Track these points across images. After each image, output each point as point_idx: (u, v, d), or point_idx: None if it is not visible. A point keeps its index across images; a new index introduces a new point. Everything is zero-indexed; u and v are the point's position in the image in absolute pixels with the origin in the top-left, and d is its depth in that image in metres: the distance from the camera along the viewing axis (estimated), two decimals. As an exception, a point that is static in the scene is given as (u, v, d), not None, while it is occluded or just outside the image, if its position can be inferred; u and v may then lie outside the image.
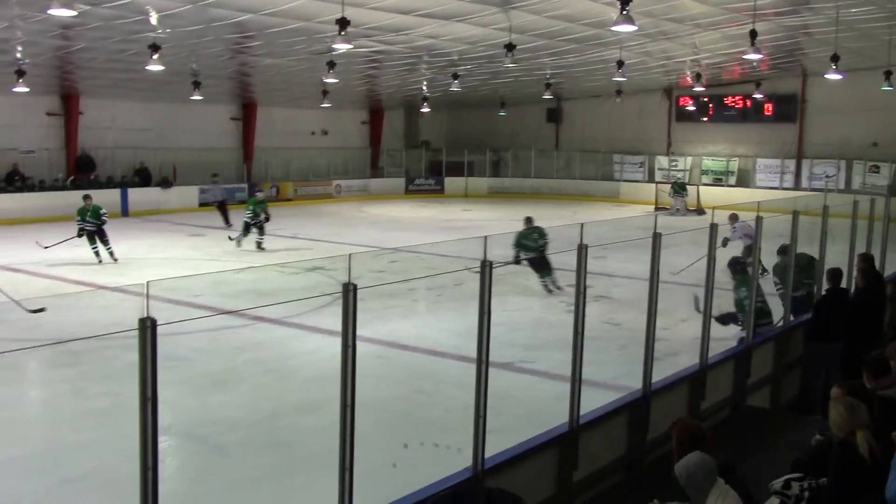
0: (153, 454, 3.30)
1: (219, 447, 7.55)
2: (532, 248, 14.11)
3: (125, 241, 21.40)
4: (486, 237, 5.24)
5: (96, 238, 17.68)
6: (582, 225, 5.97)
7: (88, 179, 28.13)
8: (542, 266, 13.98)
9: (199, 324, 11.46)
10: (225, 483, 6.77)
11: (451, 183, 38.04)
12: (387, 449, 7.04)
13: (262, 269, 17.05)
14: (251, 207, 20.33)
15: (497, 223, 24.50)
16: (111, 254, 17.75)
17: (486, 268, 5.73)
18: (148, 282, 3.80)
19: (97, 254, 17.63)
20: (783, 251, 9.78)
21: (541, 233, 14.34)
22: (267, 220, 20.22)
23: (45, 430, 8.24)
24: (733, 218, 14.66)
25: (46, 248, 17.52)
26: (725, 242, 13.41)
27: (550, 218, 15.72)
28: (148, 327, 3.26)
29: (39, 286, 15.31)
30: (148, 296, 3.41)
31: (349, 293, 4.08)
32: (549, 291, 13.86)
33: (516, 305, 13.10)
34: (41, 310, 11.84)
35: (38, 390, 10.04)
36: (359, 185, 36.24)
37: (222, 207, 24.90)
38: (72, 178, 27.89)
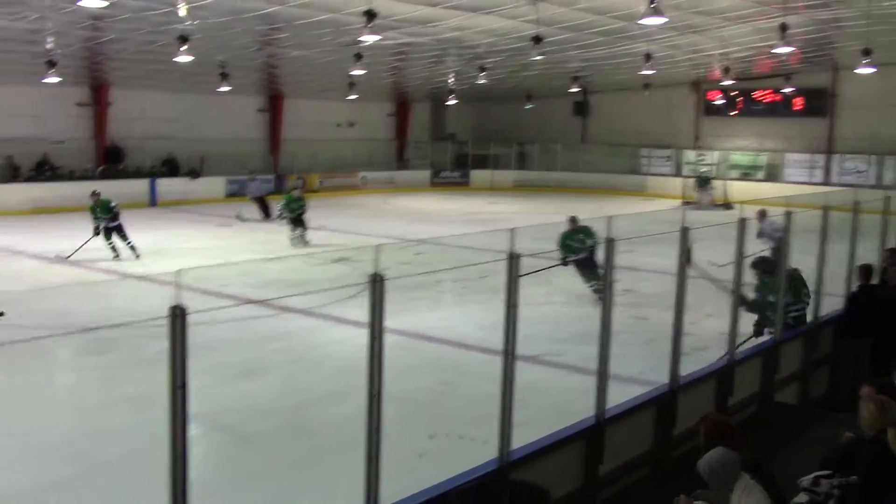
0: (183, 442, 3.33)
1: (246, 435, 7.61)
2: (577, 248, 13.18)
3: (153, 231, 21.60)
4: (512, 229, 5.22)
5: (112, 233, 17.24)
6: (609, 218, 5.94)
7: (117, 169, 28.40)
8: (589, 268, 13.03)
9: (226, 313, 11.54)
10: (252, 471, 6.82)
11: (476, 175, 38.00)
12: (412, 440, 7.07)
13: (289, 260, 17.13)
14: (290, 203, 19.67)
15: (523, 216, 24.42)
16: (132, 248, 17.30)
17: (513, 260, 5.73)
18: (178, 270, 3.84)
19: (113, 249, 17.20)
20: (761, 264, 8.86)
21: (587, 232, 13.28)
22: (302, 215, 19.60)
23: (76, 417, 8.35)
24: (761, 215, 14.15)
25: (68, 257, 16.89)
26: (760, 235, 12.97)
27: (576, 212, 15.60)
28: (178, 315, 3.27)
29: (69, 275, 15.50)
30: (177, 284, 3.43)
31: (376, 284, 4.09)
32: (601, 299, 12.69)
33: (543, 298, 13.07)
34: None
35: (69, 377, 10.16)
36: (384, 178, 36.29)
37: (261, 202, 24.47)
38: (101, 167, 28.17)
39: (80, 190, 25.95)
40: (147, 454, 6.74)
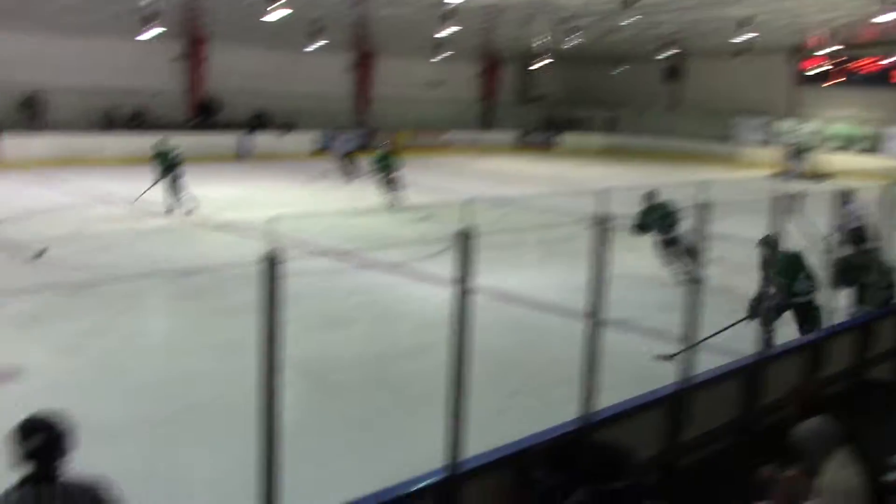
0: (273, 387, 3.39)
1: (329, 384, 7.77)
2: (655, 228, 12.04)
3: (242, 184, 22.10)
4: (600, 192, 5.14)
5: (174, 182, 16.92)
6: (700, 183, 5.80)
7: (209, 122, 29.02)
8: (671, 249, 11.94)
9: (312, 265, 11.76)
10: (335, 419, 6.96)
11: (563, 139, 37.57)
12: (493, 396, 7.09)
13: (374, 216, 17.31)
14: (381, 161, 19.04)
15: (609, 181, 24.08)
16: (185, 201, 16.90)
17: (603, 223, 5.65)
18: (269, 219, 3.90)
19: (171, 199, 16.87)
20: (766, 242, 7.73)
21: (666, 209, 11.92)
22: (394, 174, 18.88)
23: (166, 359, 8.62)
24: (846, 197, 12.47)
25: (135, 201, 17.00)
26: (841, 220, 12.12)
27: (665, 178, 15.26)
28: (270, 262, 3.32)
29: (162, 222, 15.97)
30: (269, 232, 3.48)
31: (464, 239, 4.08)
32: (682, 281, 11.13)
33: (630, 263, 12.88)
34: (44, 251, 11.96)
35: (161, 321, 10.50)
36: (471, 138, 36.19)
37: (346, 160, 24.21)
38: (194, 120, 28.82)
39: (174, 141, 26.71)
40: (234, 398, 6.96)
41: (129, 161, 25.34)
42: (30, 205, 17.37)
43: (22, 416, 3.23)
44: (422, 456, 4.55)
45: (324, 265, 12.35)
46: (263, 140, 29.35)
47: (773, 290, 7.51)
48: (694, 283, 5.96)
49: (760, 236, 7.65)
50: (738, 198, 8.21)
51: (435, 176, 26.03)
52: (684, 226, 11.39)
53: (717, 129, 35.10)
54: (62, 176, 22.11)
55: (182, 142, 26.76)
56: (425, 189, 22.30)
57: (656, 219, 11.95)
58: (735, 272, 11.79)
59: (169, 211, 16.84)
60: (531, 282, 11.95)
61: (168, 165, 16.95)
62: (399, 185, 18.86)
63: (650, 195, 12.23)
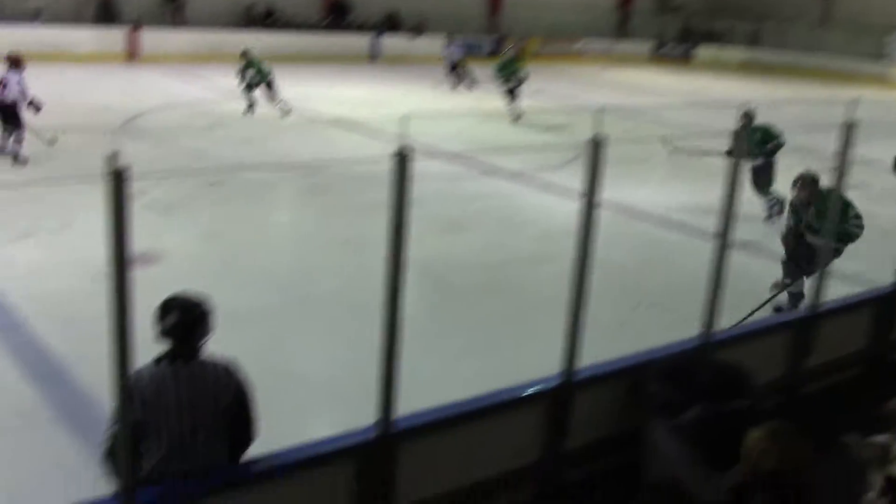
0: (398, 279, 3.46)
1: (450, 286, 7.89)
2: (752, 151, 10.23)
3: (371, 86, 22.26)
4: (739, 106, 4.92)
5: (266, 88, 16.72)
6: (849, 102, 5.46)
7: (341, 23, 29.15)
8: (762, 178, 10.46)
9: (436, 169, 11.84)
10: (455, 319, 7.09)
11: (701, 52, 36.01)
12: (614, 309, 7.07)
13: (502, 123, 17.17)
14: (505, 67, 17.84)
15: (748, 97, 23.05)
16: (280, 104, 16.72)
17: (738, 139, 5.44)
18: (402, 116, 3.92)
19: (276, 105, 16.71)
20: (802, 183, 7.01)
21: (768, 133, 10.36)
22: (517, 83, 17.71)
23: (294, 251, 8.94)
24: None
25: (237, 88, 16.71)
26: None
27: (808, 96, 14.45)
28: (401, 158, 3.35)
29: (290, 119, 16.30)
30: (398, 132, 3.50)
31: (594, 148, 4.00)
32: (770, 217, 10.49)
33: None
34: (55, 139, 12.16)
35: (291, 214, 10.85)
36: (604, 47, 35.14)
37: (458, 68, 23.49)
38: (326, 20, 29.00)
39: (306, 41, 27.13)
40: (355, 291, 7.19)
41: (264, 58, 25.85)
42: (167, 99, 18.02)
43: (162, 297, 3.38)
44: (536, 362, 4.59)
45: (448, 169, 12.40)
46: (394, 42, 29.32)
47: None
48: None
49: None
50: (887, 118, 7.73)
51: (565, 85, 25.53)
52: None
53: (870, 46, 32.78)
54: (199, 72, 22.77)
55: (313, 42, 27.28)
56: (554, 98, 21.93)
57: (756, 141, 10.32)
58: (876, 200, 11.21)
59: (286, 112, 16.66)
60: (659, 197, 11.68)
61: (258, 72, 16.71)
62: (521, 94, 17.90)
63: (748, 114, 10.43)
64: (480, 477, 4.20)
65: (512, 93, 17.75)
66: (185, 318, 3.26)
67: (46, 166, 11.38)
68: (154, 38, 24.90)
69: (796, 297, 7.13)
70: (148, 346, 3.22)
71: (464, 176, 12.39)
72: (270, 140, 14.37)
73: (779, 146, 10.40)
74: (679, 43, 36.81)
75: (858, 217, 6.80)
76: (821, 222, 6.37)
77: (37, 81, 12.24)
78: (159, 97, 17.91)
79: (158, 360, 3.27)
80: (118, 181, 2.65)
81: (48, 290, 7.19)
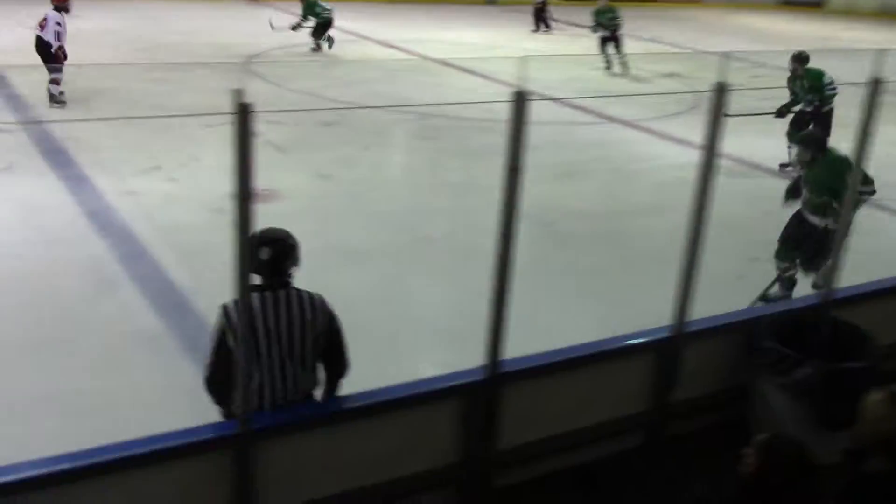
0: (511, 223, 3.46)
1: (561, 233, 7.85)
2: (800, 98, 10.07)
3: (487, 29, 22.04)
4: (876, 53, 4.66)
5: (322, 29, 17.09)
6: (878, 53, 5.05)
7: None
8: (799, 127, 9.67)
9: (550, 115, 11.70)
10: (565, 267, 7.05)
11: (833, -3, 34.18)
12: (732, 261, 6.90)
13: (616, 70, 16.76)
14: (600, 15, 16.71)
15: (885, 45, 21.78)
16: (328, 40, 17.16)
17: (874, 89, 5.16)
18: (521, 57, 3.87)
19: (323, 45, 17.15)
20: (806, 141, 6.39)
21: (817, 77, 9.88)
22: (614, 31, 16.61)
23: (407, 193, 9.04)
24: None
25: (274, 28, 17.07)
26: None
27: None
28: (519, 100, 3.33)
29: (408, 64, 16.35)
30: (519, 72, 3.47)
31: (718, 95, 3.86)
32: (784, 171, 9.84)
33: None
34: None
35: (403, 157, 10.96)
36: (728, -8, 33.76)
37: (540, 13, 22.71)
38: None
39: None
40: (465, 234, 7.24)
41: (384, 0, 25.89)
42: (284, 39, 18.26)
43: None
44: (647, 312, 4.54)
45: (562, 115, 12.24)
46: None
47: None
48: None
49: None
50: None
51: (685, 31, 24.68)
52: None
53: None
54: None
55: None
56: (673, 44, 21.25)
57: (803, 87, 9.94)
58: None
59: (315, 49, 17.06)
60: (780, 149, 11.23)
61: (317, 15, 17.01)
62: (621, 42, 16.65)
63: (800, 56, 9.94)
64: (586, 423, 4.21)
65: (612, 40, 16.60)
66: (274, 252, 3.31)
67: (169, 106, 11.73)
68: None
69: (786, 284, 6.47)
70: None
71: (579, 122, 12.21)
72: (384, 82, 14.45)
73: (824, 98, 9.79)
74: (810, -13, 34.97)
75: (868, 182, 5.72)
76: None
77: (165, 18, 12.57)
78: (277, 37, 18.18)
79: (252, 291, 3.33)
80: (243, 116, 2.72)
81: (172, 221, 7.51)
